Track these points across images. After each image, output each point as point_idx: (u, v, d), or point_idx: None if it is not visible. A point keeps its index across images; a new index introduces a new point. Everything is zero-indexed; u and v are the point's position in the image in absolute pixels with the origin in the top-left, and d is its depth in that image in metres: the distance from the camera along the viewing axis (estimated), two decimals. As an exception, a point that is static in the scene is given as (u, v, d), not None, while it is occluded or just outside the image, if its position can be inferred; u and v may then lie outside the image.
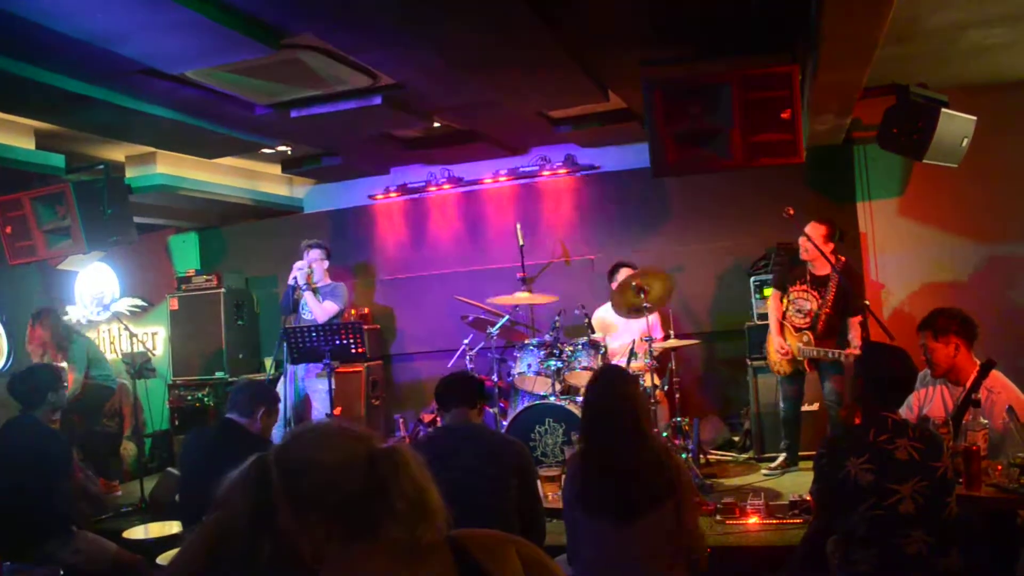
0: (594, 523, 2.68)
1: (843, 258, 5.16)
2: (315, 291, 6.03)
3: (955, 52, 4.99)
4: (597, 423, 2.79)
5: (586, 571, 2.71)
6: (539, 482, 3.75)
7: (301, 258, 6.16)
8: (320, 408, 5.91)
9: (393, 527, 1.33)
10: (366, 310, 7.38)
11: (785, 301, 5.28)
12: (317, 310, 6.00)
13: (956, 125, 4.98)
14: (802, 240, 5.12)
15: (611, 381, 2.89)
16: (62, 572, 3.73)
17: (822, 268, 5.10)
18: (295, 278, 5.93)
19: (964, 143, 5.07)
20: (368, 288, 7.62)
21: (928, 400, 3.83)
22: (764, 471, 5.32)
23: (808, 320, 5.12)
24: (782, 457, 5.32)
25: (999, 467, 3.07)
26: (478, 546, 1.42)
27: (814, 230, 5.10)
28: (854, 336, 4.99)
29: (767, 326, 5.53)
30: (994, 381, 3.52)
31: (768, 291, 5.58)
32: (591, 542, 2.70)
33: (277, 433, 4.15)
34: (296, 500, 1.32)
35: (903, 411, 3.86)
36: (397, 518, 1.33)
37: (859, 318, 4.79)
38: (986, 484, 3.01)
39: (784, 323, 5.26)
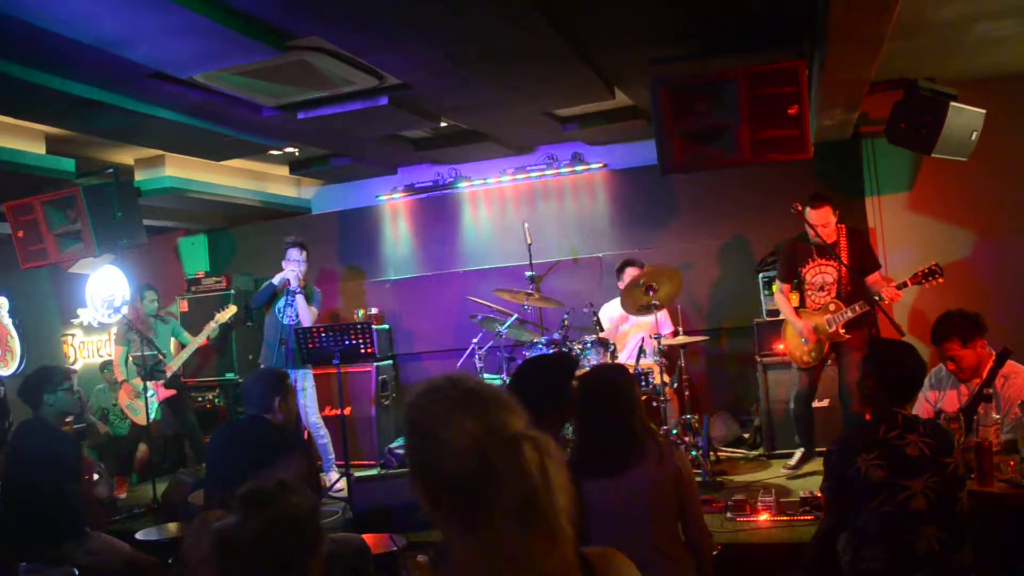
0: (580, 486, 2.72)
1: (843, 227, 5.03)
2: (309, 296, 5.96)
3: (963, 45, 4.96)
4: (584, 408, 2.86)
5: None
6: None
7: (286, 253, 5.92)
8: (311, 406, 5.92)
9: (501, 525, 1.19)
10: (375, 310, 7.39)
11: (798, 287, 5.13)
12: (304, 314, 5.81)
13: (965, 118, 4.95)
14: (814, 230, 4.91)
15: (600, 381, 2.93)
16: (76, 572, 3.76)
17: (830, 237, 4.94)
18: (290, 283, 5.76)
19: (973, 136, 5.04)
20: (377, 288, 7.64)
21: (943, 395, 3.84)
22: (783, 468, 5.15)
23: (832, 290, 4.93)
24: (799, 453, 5.15)
25: (1012, 463, 3.07)
26: (608, 565, 1.34)
27: (826, 214, 4.93)
28: (885, 288, 4.71)
29: (776, 323, 5.49)
30: (1008, 368, 3.58)
31: (775, 287, 5.42)
32: (584, 509, 2.74)
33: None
34: (413, 463, 1.30)
35: (919, 406, 3.86)
36: (505, 515, 1.19)
37: (878, 274, 4.69)
38: (999, 480, 3.00)
39: (802, 311, 5.07)
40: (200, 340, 6.49)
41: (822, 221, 4.89)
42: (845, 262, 4.88)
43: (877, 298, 4.69)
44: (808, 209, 4.94)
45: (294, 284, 5.78)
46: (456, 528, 1.24)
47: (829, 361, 5.14)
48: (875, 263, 4.83)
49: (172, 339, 6.70)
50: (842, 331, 4.86)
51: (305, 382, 5.87)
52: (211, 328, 6.53)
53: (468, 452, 1.21)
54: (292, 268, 5.83)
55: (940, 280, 4.65)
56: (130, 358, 6.44)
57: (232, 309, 6.64)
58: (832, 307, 4.91)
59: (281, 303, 5.89)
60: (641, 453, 2.69)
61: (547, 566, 1.19)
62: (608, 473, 2.68)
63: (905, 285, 4.68)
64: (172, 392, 6.38)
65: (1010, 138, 5.66)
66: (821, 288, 4.98)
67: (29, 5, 3.30)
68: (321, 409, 6.18)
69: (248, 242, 8.14)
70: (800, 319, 5.04)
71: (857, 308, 4.81)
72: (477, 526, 1.21)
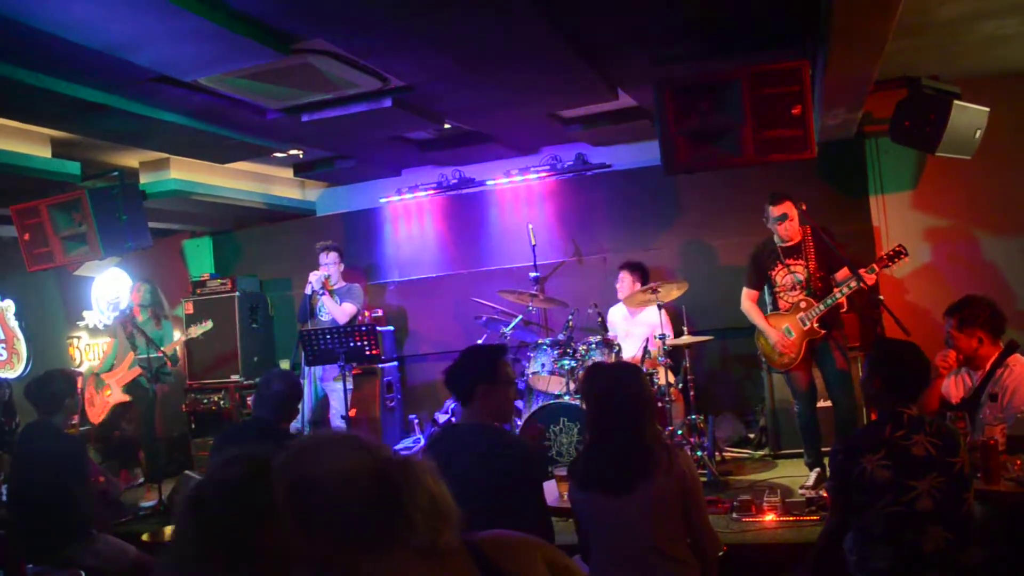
0: (586, 496, 2.73)
1: (807, 227, 4.98)
2: (332, 293, 6.09)
3: (966, 44, 4.95)
4: (599, 411, 2.83)
5: (594, 555, 2.73)
6: (554, 482, 3.75)
7: (317, 260, 6.22)
8: (338, 408, 5.94)
9: (412, 538, 1.27)
10: (380, 312, 7.41)
11: (768, 292, 5.06)
12: (336, 312, 6.06)
13: (969, 117, 4.94)
14: (779, 227, 4.89)
15: (615, 377, 2.91)
16: (83, 574, 3.78)
17: (794, 236, 4.91)
18: (311, 285, 5.98)
19: (977, 135, 5.03)
20: (381, 290, 7.65)
21: (946, 385, 3.86)
22: (800, 488, 4.84)
23: (803, 288, 4.87)
24: (815, 474, 4.86)
25: (1019, 462, 3.06)
26: (500, 550, 1.38)
27: (793, 208, 4.88)
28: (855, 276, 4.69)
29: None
30: (1012, 359, 3.62)
31: (743, 295, 5.20)
32: (588, 518, 2.76)
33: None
34: (302, 518, 1.27)
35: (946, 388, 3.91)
36: (415, 529, 1.27)
37: (846, 269, 4.69)
38: (1005, 479, 3.00)
39: (773, 315, 5.00)
40: (168, 349, 6.34)
41: (784, 219, 4.84)
42: (812, 260, 4.86)
43: (857, 282, 4.62)
44: (769, 207, 4.89)
45: (316, 287, 6.04)
46: (364, 561, 1.27)
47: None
48: (839, 260, 4.80)
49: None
50: (816, 326, 4.79)
51: (332, 383, 5.97)
52: (179, 343, 6.57)
53: (369, 474, 1.28)
54: (315, 272, 6.12)
55: (905, 259, 4.64)
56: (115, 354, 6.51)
57: (208, 325, 6.52)
58: (803, 304, 4.83)
59: (318, 307, 6.23)
60: (652, 464, 2.64)
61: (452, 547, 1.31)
62: (620, 489, 2.64)
63: (873, 269, 4.64)
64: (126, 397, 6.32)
65: (1014, 136, 5.65)
66: (792, 288, 4.93)
67: (34, 10, 3.32)
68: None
69: (253, 244, 8.16)
70: (772, 328, 4.95)
71: (837, 294, 4.74)
72: (392, 546, 1.27)
